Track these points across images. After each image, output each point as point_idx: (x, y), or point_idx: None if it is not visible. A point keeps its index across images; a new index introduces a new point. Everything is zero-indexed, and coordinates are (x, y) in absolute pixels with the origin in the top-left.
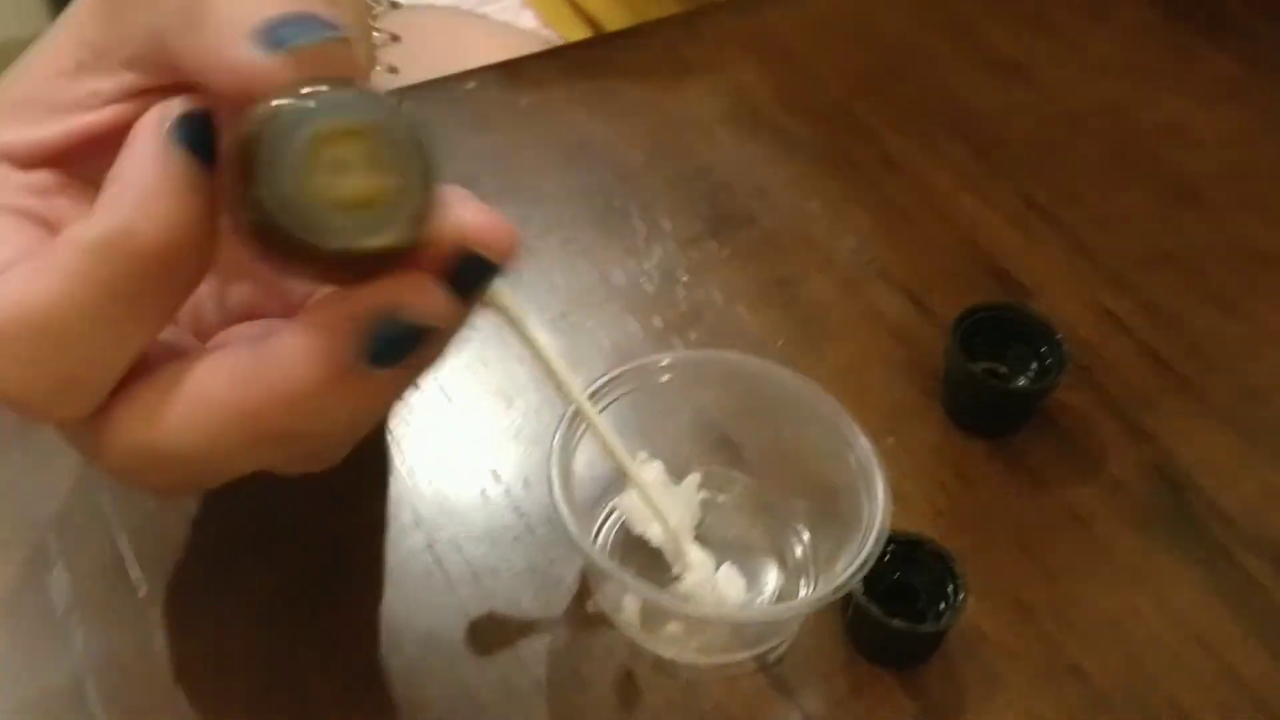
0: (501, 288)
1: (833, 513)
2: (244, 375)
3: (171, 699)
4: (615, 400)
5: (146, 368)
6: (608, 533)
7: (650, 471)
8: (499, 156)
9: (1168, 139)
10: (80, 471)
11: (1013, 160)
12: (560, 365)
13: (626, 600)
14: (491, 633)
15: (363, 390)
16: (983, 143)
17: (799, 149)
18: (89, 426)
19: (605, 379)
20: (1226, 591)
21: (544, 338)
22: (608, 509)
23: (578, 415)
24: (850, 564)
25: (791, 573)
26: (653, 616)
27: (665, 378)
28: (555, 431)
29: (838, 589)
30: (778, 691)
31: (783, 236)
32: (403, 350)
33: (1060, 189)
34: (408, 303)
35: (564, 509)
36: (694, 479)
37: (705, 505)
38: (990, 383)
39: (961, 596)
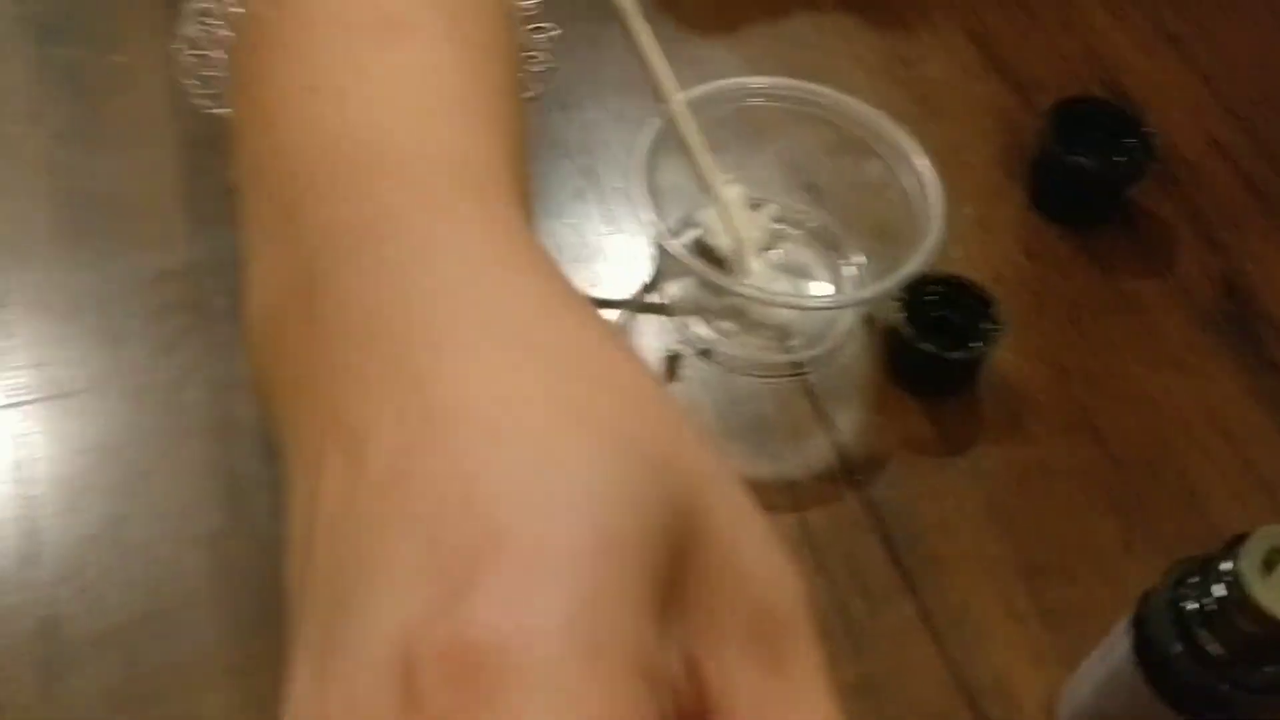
0: None
1: (892, 248)
2: None
3: None
4: (705, 117)
5: None
6: (682, 242)
7: (731, 191)
8: None
9: None
10: None
11: None
12: (661, 63)
13: (684, 285)
14: None
15: None
16: None
17: None
18: None
19: (699, 92)
20: (1266, 397)
21: (648, 34)
22: (685, 222)
23: (670, 123)
24: (895, 276)
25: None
26: (707, 306)
27: (758, 101)
28: (646, 135)
29: (877, 291)
30: (805, 394)
31: (912, 17)
32: None
33: (1195, 19)
34: None
35: (641, 193)
36: (771, 209)
37: (776, 235)
38: (1073, 165)
39: (994, 333)
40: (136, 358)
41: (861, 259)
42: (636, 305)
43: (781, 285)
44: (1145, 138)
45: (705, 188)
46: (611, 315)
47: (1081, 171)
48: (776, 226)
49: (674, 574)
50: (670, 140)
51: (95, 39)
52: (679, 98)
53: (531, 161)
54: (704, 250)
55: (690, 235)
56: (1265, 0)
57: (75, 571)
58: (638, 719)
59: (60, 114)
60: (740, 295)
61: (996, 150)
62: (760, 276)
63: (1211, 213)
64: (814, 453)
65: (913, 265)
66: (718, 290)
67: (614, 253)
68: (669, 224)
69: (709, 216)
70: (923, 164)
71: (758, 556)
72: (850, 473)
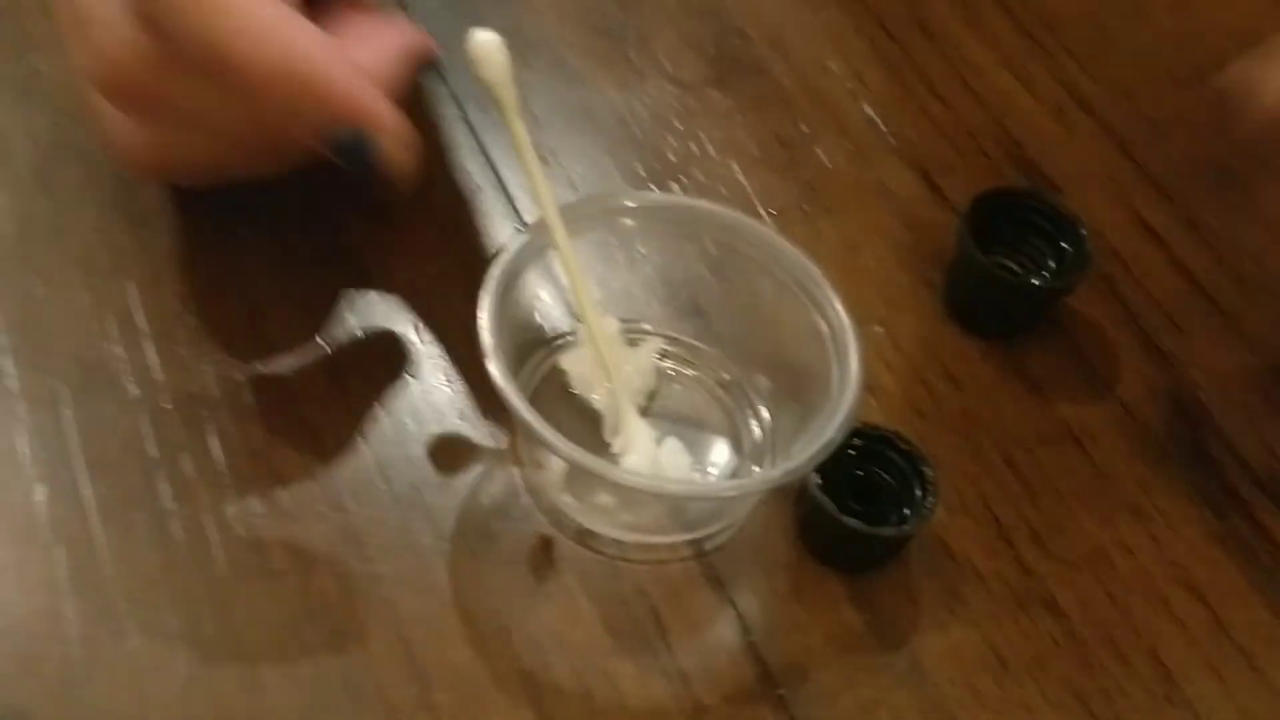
0: (500, 62)
1: (799, 393)
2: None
3: None
4: (573, 238)
5: None
6: (541, 388)
7: (608, 327)
8: None
9: (1238, 41)
10: None
11: (1061, 43)
12: (536, 166)
13: (554, 460)
14: (401, 471)
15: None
16: (1030, 20)
17: (828, 1)
18: None
19: (564, 206)
20: (1232, 542)
21: (525, 133)
22: (544, 360)
23: (530, 241)
24: (808, 447)
25: (747, 457)
26: (581, 482)
27: (630, 221)
28: (499, 255)
29: (789, 472)
30: (709, 581)
31: (794, 93)
32: None
33: (1110, 81)
34: None
35: (490, 343)
36: (654, 344)
37: (661, 375)
38: (999, 275)
39: (930, 502)
40: None
41: (762, 406)
42: (498, 478)
43: (669, 448)
44: (1079, 240)
45: (579, 324)
46: (462, 488)
47: (1007, 282)
48: (661, 364)
49: None
50: (525, 265)
51: None
52: (551, 204)
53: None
54: (571, 403)
55: (551, 379)
56: (1179, 50)
57: None
58: None
59: None
60: (618, 483)
61: (902, 249)
62: (641, 440)
63: (1149, 316)
64: (723, 660)
65: (831, 433)
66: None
67: (464, 412)
68: (522, 378)
69: (574, 362)
70: (825, 292)
71: None
72: (771, 686)
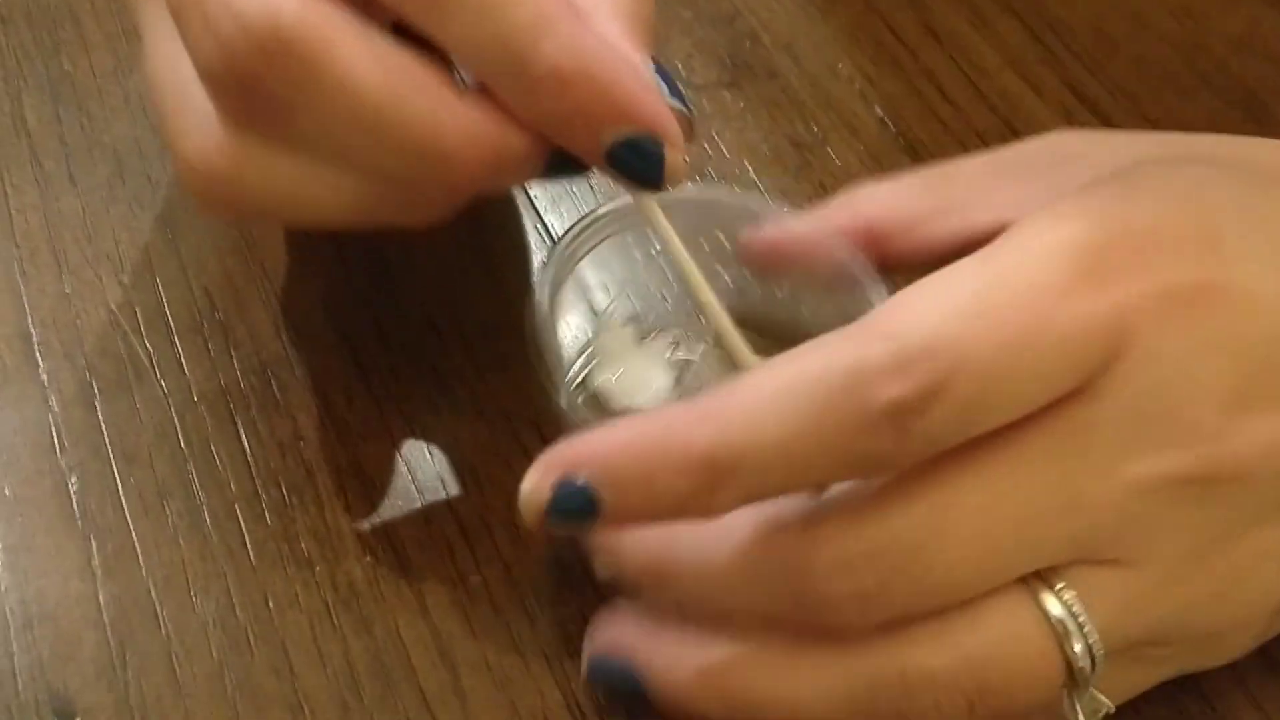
0: None
1: None
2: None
3: None
4: (604, 240)
5: None
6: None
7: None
8: None
9: (1240, 48)
10: None
11: (1068, 48)
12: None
13: None
14: (427, 462)
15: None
16: (1038, 24)
17: (837, 6)
18: None
19: (604, 211)
20: None
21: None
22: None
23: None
24: None
25: None
26: None
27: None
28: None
29: None
30: None
31: (806, 96)
32: None
33: (1115, 86)
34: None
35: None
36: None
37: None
38: None
39: None
40: None
41: None
42: None
43: None
44: None
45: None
46: (486, 479)
47: None
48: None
49: None
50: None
51: None
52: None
53: None
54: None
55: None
56: (1184, 58)
57: None
58: None
59: None
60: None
61: None
62: None
63: None
64: None
65: None
66: None
67: (483, 407)
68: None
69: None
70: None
71: None
72: None
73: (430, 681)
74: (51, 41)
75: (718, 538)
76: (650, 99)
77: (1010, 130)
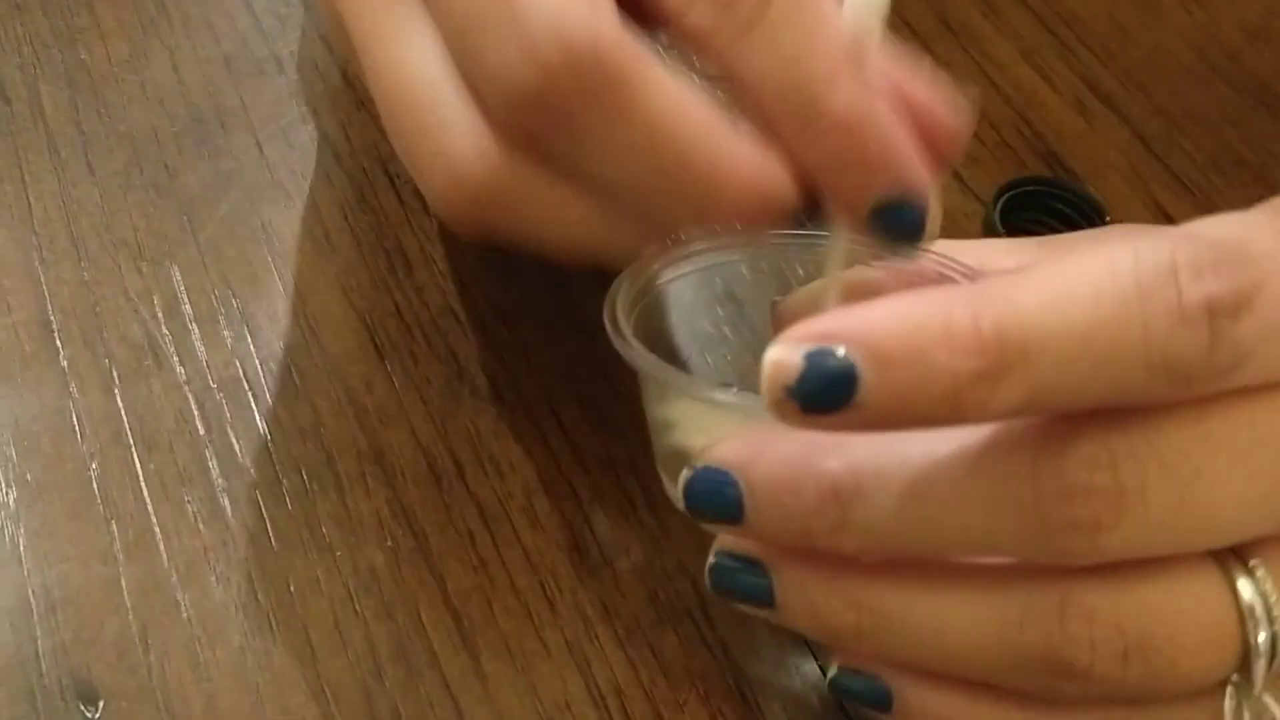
0: None
1: None
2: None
3: None
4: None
5: None
6: None
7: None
8: None
9: (1253, 39)
10: None
11: (1080, 38)
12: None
13: None
14: (446, 449)
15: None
16: (1050, 16)
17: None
18: None
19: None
20: None
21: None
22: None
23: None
24: None
25: None
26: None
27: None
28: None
29: None
30: None
31: None
32: None
33: (1127, 77)
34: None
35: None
36: None
37: None
38: None
39: None
40: None
41: None
42: None
43: None
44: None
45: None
46: (505, 465)
47: None
48: None
49: None
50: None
51: None
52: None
53: None
54: None
55: None
56: (1196, 49)
57: None
58: None
59: None
60: None
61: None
62: None
63: None
64: (764, 632)
65: None
66: None
67: (504, 393)
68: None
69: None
70: None
71: None
72: (816, 658)
73: (452, 666)
74: (68, 30)
75: (936, 444)
76: (920, 163)
77: (1024, 121)
